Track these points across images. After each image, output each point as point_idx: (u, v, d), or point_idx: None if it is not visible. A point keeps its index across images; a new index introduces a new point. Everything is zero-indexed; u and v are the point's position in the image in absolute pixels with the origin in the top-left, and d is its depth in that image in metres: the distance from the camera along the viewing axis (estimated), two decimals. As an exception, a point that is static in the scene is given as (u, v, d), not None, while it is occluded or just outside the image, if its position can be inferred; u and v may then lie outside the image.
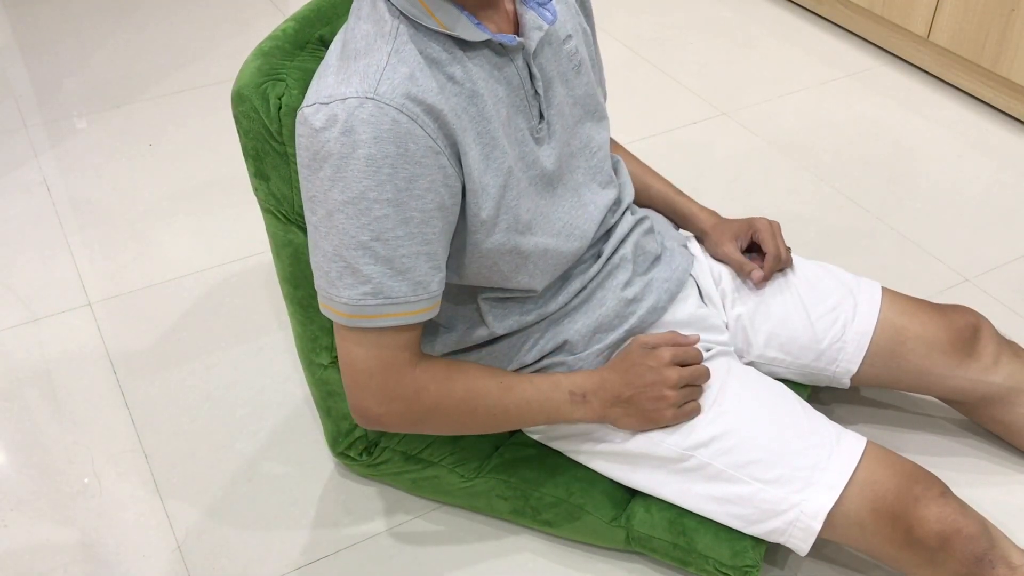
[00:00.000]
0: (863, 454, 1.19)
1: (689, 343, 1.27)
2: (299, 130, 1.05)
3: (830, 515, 1.17)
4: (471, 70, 1.08)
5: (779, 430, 1.22)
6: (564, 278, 1.27)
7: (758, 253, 1.44)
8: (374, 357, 1.11)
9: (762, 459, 1.20)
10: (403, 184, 1.02)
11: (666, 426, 1.24)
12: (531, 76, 1.14)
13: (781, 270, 1.43)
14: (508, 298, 1.24)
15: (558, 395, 1.22)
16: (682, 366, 1.24)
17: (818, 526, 1.18)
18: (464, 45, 1.08)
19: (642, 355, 1.24)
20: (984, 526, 1.17)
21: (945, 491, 1.17)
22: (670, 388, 1.21)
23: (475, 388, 1.18)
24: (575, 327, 1.27)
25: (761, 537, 1.23)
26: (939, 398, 1.46)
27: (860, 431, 1.52)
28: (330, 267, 1.07)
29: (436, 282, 1.10)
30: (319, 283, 1.10)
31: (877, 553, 1.19)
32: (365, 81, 1.02)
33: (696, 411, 1.23)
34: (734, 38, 2.67)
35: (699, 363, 1.26)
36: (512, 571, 1.36)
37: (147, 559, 1.38)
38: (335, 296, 1.08)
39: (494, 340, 1.26)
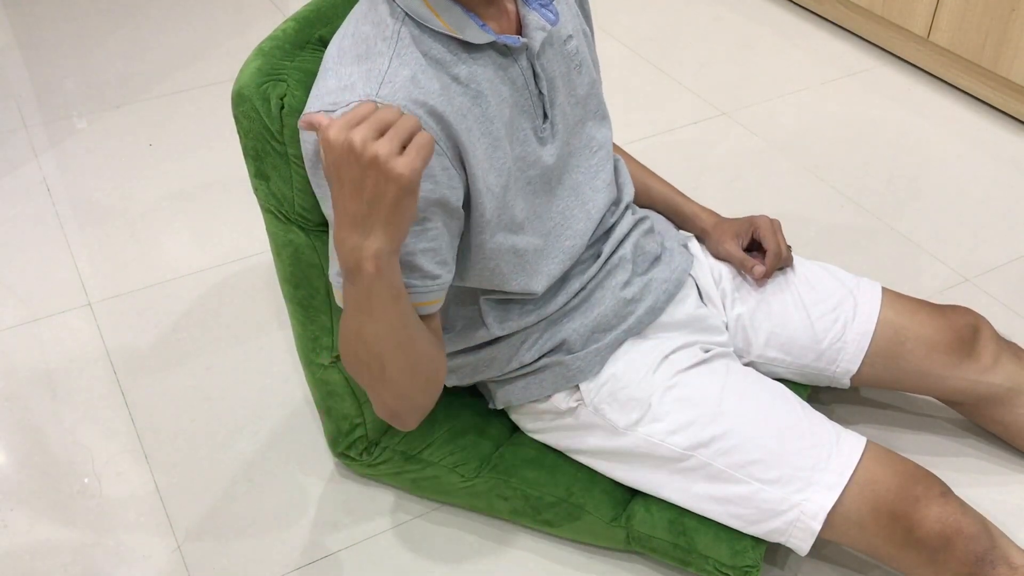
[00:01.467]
0: (863, 454, 1.19)
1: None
2: (303, 135, 1.06)
3: (830, 515, 1.17)
4: (475, 71, 1.08)
5: (779, 430, 1.22)
6: (563, 278, 1.27)
7: (759, 251, 1.44)
8: None
9: (762, 459, 1.20)
10: None
11: (405, 178, 0.92)
12: (535, 76, 1.14)
13: (781, 269, 1.43)
14: (508, 299, 1.24)
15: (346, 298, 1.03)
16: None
17: (818, 526, 1.18)
18: (468, 47, 1.08)
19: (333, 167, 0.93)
20: (985, 526, 1.17)
21: (945, 491, 1.17)
22: (371, 150, 0.90)
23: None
24: (573, 326, 1.27)
25: (761, 537, 1.24)
26: (939, 399, 1.46)
27: (860, 431, 1.52)
28: None
29: (445, 272, 1.09)
30: (332, 276, 1.11)
31: (877, 553, 1.19)
32: (368, 85, 1.02)
33: (427, 143, 0.92)
34: (734, 38, 2.67)
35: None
36: (512, 571, 1.36)
37: (147, 559, 1.38)
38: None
39: (493, 341, 1.26)
